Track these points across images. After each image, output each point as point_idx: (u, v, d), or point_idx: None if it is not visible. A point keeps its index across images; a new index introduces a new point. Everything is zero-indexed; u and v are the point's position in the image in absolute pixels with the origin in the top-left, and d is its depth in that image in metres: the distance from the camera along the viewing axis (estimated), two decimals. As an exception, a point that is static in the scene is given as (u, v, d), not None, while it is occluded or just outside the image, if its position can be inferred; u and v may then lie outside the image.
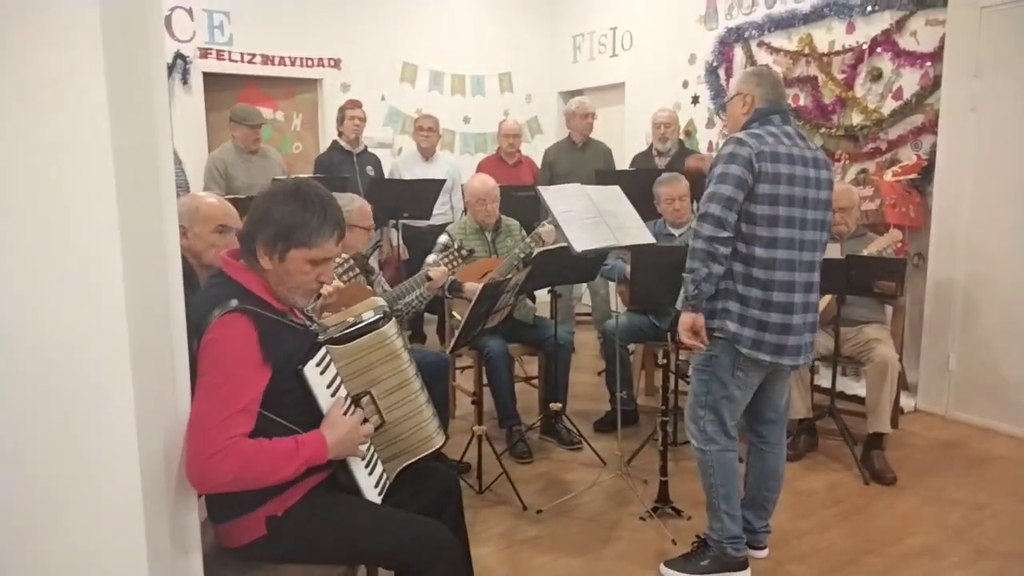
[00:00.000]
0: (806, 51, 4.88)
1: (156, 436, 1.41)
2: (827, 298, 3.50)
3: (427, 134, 5.31)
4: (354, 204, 3.06)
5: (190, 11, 5.56)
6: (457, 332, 2.86)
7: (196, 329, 1.58)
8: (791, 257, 2.30)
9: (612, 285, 4.20)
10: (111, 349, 1.30)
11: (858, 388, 4.01)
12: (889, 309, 3.74)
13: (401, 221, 4.93)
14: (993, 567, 2.60)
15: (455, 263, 3.20)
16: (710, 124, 5.70)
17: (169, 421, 1.47)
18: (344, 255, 2.79)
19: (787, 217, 2.28)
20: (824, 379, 3.79)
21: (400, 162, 5.48)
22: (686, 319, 2.35)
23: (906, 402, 4.08)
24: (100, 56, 1.24)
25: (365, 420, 1.76)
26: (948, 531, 2.84)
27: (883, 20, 4.44)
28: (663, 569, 2.58)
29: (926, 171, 4.19)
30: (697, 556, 2.56)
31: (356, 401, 1.77)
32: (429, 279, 3.13)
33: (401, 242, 5.06)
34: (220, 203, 2.25)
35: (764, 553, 2.65)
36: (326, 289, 2.51)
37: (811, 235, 2.34)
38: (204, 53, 5.65)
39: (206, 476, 1.49)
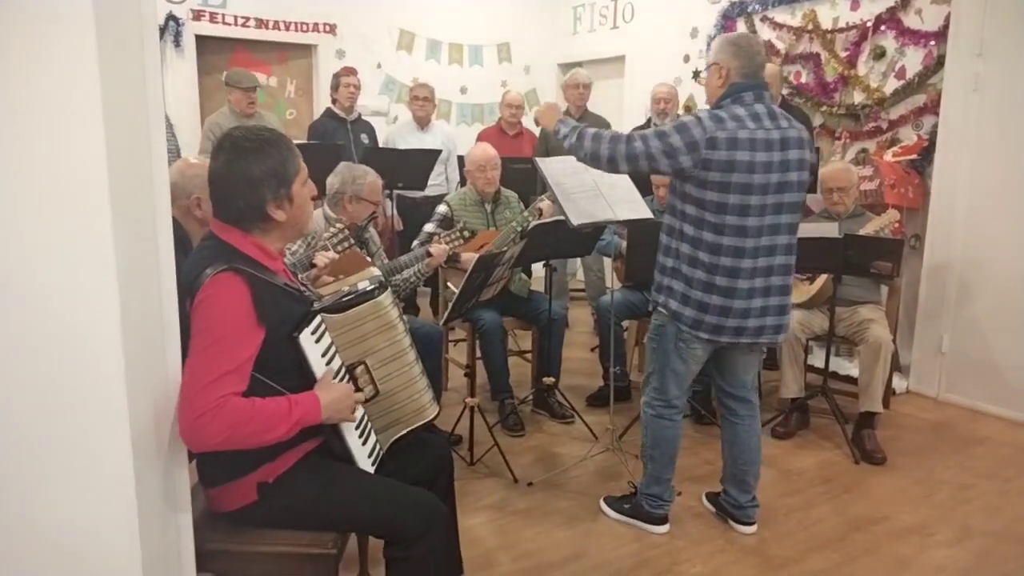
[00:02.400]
0: (809, 27, 4.82)
1: (146, 396, 1.40)
2: (823, 278, 3.49)
3: (422, 103, 5.25)
4: (367, 178, 3.04)
5: (183, -29, 5.44)
6: (451, 304, 2.84)
7: (189, 289, 1.56)
8: (740, 244, 2.29)
9: (607, 261, 4.18)
10: (101, 310, 1.28)
11: (851, 368, 4.02)
12: (885, 290, 3.73)
13: (396, 192, 4.88)
14: (978, 546, 2.63)
15: (457, 242, 3.19)
16: (710, 100, 5.64)
17: (159, 381, 1.46)
18: (339, 225, 2.76)
19: (739, 205, 2.27)
20: (818, 359, 3.80)
21: (395, 131, 5.42)
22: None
23: (898, 383, 4.10)
24: (90, 16, 1.20)
25: (359, 390, 1.74)
26: (935, 510, 2.87)
27: (888, -3, 4.38)
28: (601, 503, 2.82)
29: (926, 152, 4.16)
30: (625, 499, 2.78)
31: (351, 371, 1.75)
32: (430, 255, 3.11)
33: (396, 213, 5.02)
34: None
35: (752, 529, 2.68)
36: (320, 260, 2.49)
37: (771, 220, 2.31)
38: (197, 15, 5.53)
39: (198, 434, 1.48)
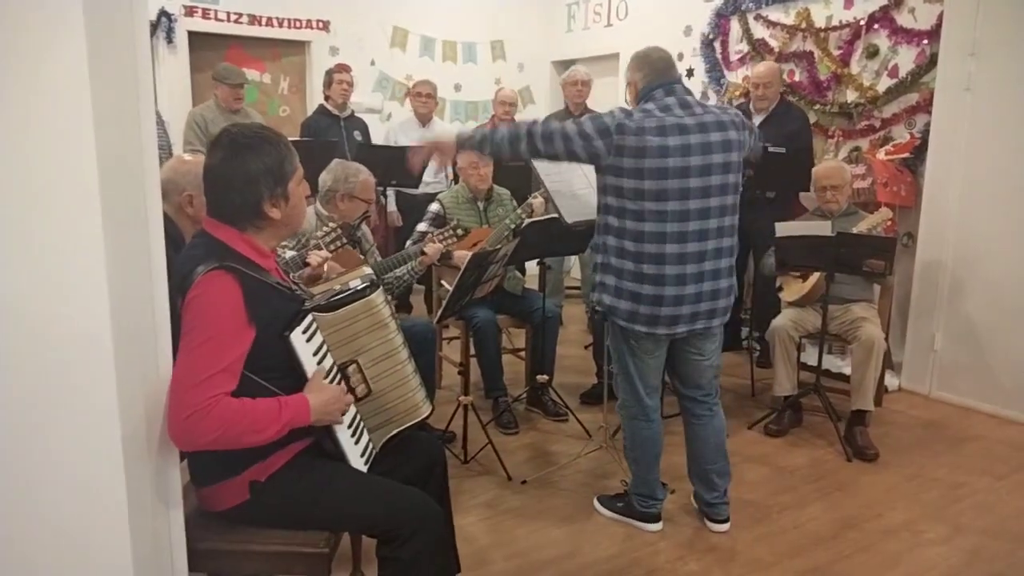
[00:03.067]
0: (803, 26, 4.83)
1: (137, 395, 1.40)
2: (815, 276, 3.50)
3: (425, 100, 5.26)
4: (359, 176, 3.04)
5: (176, -34, 5.41)
6: (445, 302, 2.83)
7: (179, 287, 1.55)
8: (661, 230, 2.31)
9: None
10: (91, 308, 1.28)
11: (844, 366, 4.03)
12: (877, 288, 3.74)
13: (396, 189, 4.87)
14: (969, 543, 2.64)
15: (450, 240, 3.18)
16: (704, 98, 5.64)
17: (150, 380, 1.46)
18: (332, 224, 2.75)
19: (655, 191, 2.29)
20: (810, 357, 3.81)
21: (397, 127, 5.42)
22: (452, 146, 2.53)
23: (890, 381, 4.11)
24: (79, 11, 1.19)
25: (351, 390, 1.74)
26: (927, 508, 2.88)
27: (882, -4, 4.39)
28: (594, 501, 2.84)
29: (919, 150, 4.18)
30: (618, 498, 2.79)
31: (343, 370, 1.74)
32: (423, 254, 3.11)
33: (395, 208, 5.02)
34: None
35: (723, 527, 2.67)
36: (314, 260, 2.48)
37: (697, 204, 2.32)
38: (190, 11, 5.50)
39: (187, 434, 1.47)
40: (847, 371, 3.66)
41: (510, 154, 2.44)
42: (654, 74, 2.44)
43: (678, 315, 2.39)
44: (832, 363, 4.11)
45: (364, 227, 3.27)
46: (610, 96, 6.32)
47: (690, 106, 2.36)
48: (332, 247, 2.66)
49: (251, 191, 1.63)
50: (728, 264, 2.46)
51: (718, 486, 2.67)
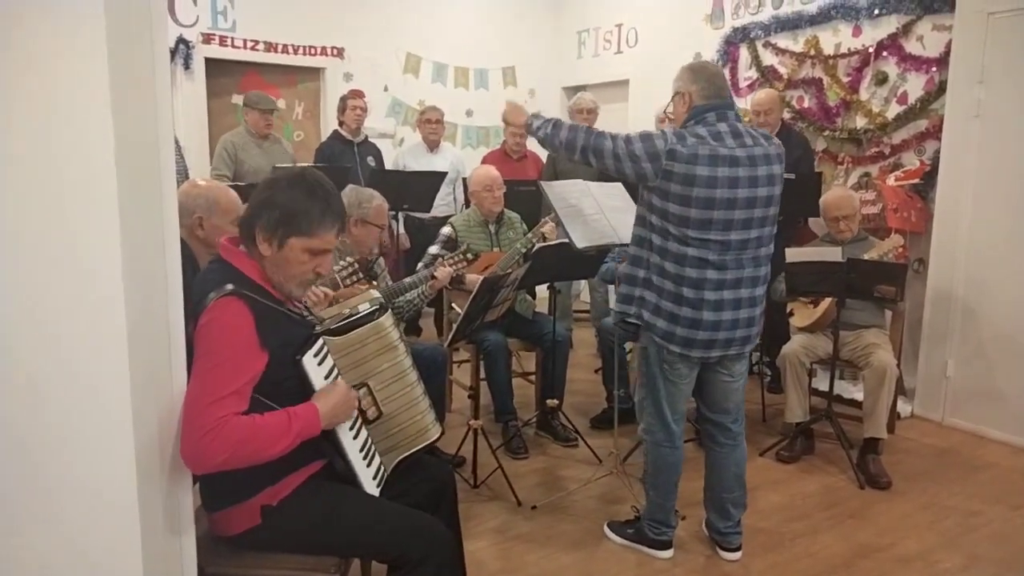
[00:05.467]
0: (812, 53, 4.86)
1: (151, 419, 1.41)
2: (826, 302, 3.49)
3: (434, 126, 5.34)
4: (373, 202, 3.07)
5: (194, -5, 5.53)
6: (455, 325, 2.85)
7: (193, 312, 1.57)
8: (703, 256, 2.31)
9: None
10: (108, 332, 1.29)
11: (855, 392, 4.00)
12: (888, 314, 3.73)
13: (404, 212, 4.92)
14: (986, 574, 2.60)
15: (460, 264, 3.20)
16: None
17: (164, 404, 1.47)
18: (348, 259, 2.77)
19: (700, 220, 2.28)
20: (822, 382, 3.79)
21: (406, 152, 5.50)
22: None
23: (903, 407, 4.08)
24: (103, 40, 1.23)
25: (362, 413, 1.75)
26: (942, 537, 2.84)
27: (890, 24, 4.42)
28: (605, 528, 2.82)
29: (929, 176, 4.18)
30: (629, 524, 2.77)
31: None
32: (434, 277, 3.13)
33: (403, 231, 5.06)
34: (238, 197, 2.32)
35: (735, 556, 2.64)
36: (311, 298, 2.46)
37: (738, 235, 2.32)
38: (207, 38, 5.61)
39: (200, 456, 1.48)
40: (859, 397, 3.64)
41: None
42: (711, 89, 2.37)
43: (714, 339, 2.38)
44: (844, 389, 4.09)
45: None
46: (619, 122, 6.38)
47: (741, 136, 2.33)
48: (348, 282, 2.68)
49: (258, 209, 1.66)
50: (762, 293, 2.46)
51: (733, 516, 2.64)
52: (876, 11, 4.47)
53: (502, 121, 3.46)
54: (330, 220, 1.68)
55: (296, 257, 1.67)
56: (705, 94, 2.37)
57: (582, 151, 2.42)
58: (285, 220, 1.64)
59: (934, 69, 4.21)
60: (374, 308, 1.81)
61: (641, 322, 2.45)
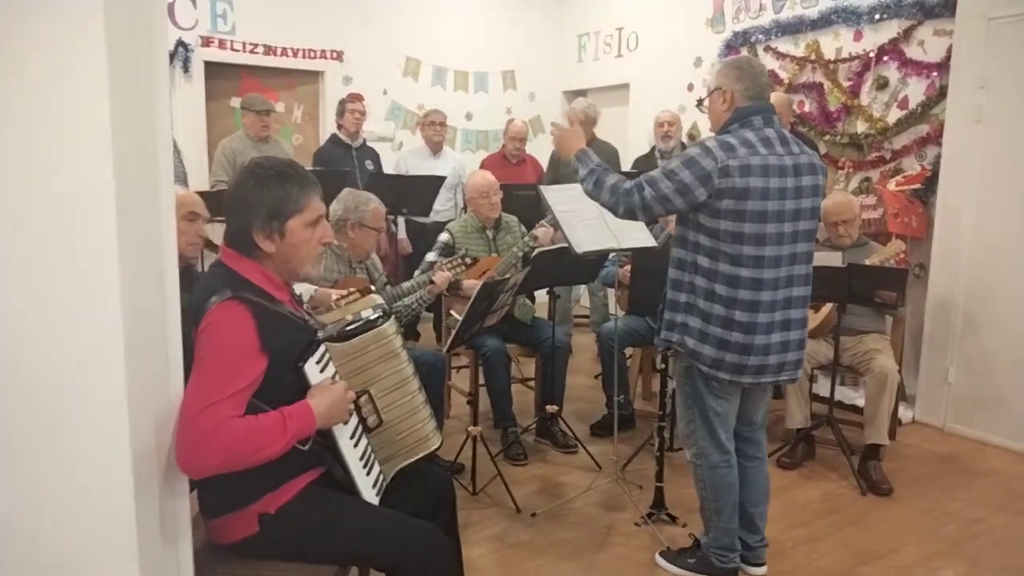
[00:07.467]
0: (812, 57, 4.86)
1: (147, 425, 1.39)
2: (827, 307, 3.48)
3: (438, 129, 5.33)
4: (370, 205, 3.06)
5: (193, -1, 5.52)
6: (454, 331, 2.83)
7: (193, 316, 1.56)
8: (758, 276, 2.17)
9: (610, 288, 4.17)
10: (104, 338, 1.28)
11: (856, 398, 3.99)
12: (889, 320, 3.72)
13: (405, 217, 4.91)
14: (988, 582, 2.59)
15: (458, 269, 3.19)
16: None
17: (161, 411, 1.45)
18: (351, 288, 2.75)
19: (755, 235, 2.16)
20: (823, 388, 3.77)
21: (409, 155, 5.48)
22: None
23: (904, 414, 4.06)
24: (102, 42, 1.21)
25: (362, 420, 1.73)
26: (943, 544, 2.82)
27: (891, 29, 4.41)
28: (657, 558, 2.64)
29: (930, 181, 4.17)
30: (688, 553, 2.60)
31: (355, 400, 1.74)
32: (432, 283, 3.12)
33: (406, 236, 5.05)
34: (187, 192, 2.45)
35: (763, 570, 2.58)
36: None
37: (788, 249, 2.21)
38: (206, 41, 5.60)
39: (195, 458, 1.46)
40: (860, 403, 3.62)
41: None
42: (756, 89, 2.22)
43: (765, 364, 2.24)
44: (845, 395, 4.07)
45: (374, 256, 3.28)
46: (619, 126, 6.38)
47: (788, 143, 2.20)
48: (351, 298, 2.67)
49: (244, 218, 1.65)
50: (806, 314, 2.34)
51: (760, 529, 2.56)
52: (877, 16, 4.46)
53: (551, 140, 2.99)
54: (309, 188, 1.70)
55: (300, 236, 1.68)
56: (749, 94, 2.22)
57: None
58: (275, 211, 1.65)
59: (935, 74, 4.20)
60: (377, 314, 1.79)
61: (684, 350, 2.30)
